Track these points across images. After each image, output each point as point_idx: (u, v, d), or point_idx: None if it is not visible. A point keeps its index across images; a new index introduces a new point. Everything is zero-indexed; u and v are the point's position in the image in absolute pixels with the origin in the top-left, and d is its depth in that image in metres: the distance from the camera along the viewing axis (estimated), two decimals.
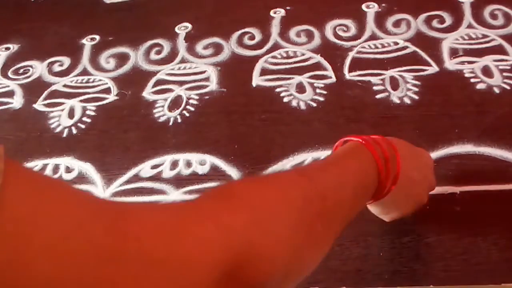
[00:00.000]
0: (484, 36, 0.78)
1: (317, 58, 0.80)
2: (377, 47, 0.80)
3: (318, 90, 0.75)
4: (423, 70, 0.75)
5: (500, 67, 0.73)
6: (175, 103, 0.78)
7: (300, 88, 0.76)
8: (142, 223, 0.28)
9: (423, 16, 0.83)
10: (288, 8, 0.91)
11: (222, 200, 0.33)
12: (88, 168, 0.71)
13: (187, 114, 0.76)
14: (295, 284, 0.36)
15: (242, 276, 0.30)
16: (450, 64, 0.75)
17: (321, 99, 0.74)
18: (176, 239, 0.28)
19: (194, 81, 0.81)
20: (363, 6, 0.87)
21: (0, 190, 0.22)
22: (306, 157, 0.66)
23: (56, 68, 0.89)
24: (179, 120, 0.75)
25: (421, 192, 0.52)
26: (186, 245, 0.28)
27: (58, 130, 0.78)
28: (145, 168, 0.69)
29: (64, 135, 0.77)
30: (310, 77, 0.77)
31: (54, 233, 0.23)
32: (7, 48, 0.95)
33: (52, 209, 0.24)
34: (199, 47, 0.87)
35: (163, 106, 0.78)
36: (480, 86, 0.71)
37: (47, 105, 0.83)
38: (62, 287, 0.23)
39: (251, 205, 0.34)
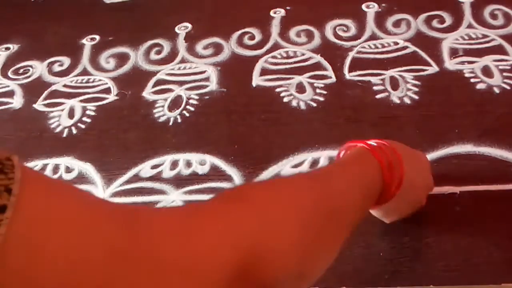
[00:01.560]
0: (484, 36, 0.78)
1: (317, 58, 0.80)
2: (377, 47, 0.80)
3: (318, 90, 0.75)
4: (423, 70, 0.75)
5: (500, 67, 0.73)
6: (175, 103, 0.78)
7: (300, 88, 0.76)
8: (153, 224, 0.28)
9: (423, 16, 0.83)
10: (288, 8, 0.91)
11: (232, 202, 0.34)
12: (88, 168, 0.71)
13: (187, 114, 0.76)
14: (309, 285, 0.36)
15: (254, 276, 0.30)
16: (450, 64, 0.75)
17: (321, 99, 0.74)
18: (187, 240, 0.28)
19: (194, 81, 0.81)
20: (363, 6, 0.87)
21: (18, 198, 0.22)
22: (306, 157, 0.66)
23: (56, 68, 0.89)
24: (179, 120, 0.75)
25: (421, 194, 0.53)
26: (197, 246, 0.28)
27: (58, 130, 0.78)
28: (145, 168, 0.69)
29: (64, 135, 0.77)
30: (310, 77, 0.77)
31: (68, 236, 0.24)
32: (7, 48, 0.95)
33: (66, 212, 0.25)
34: (199, 47, 0.87)
35: (163, 106, 0.78)
36: (480, 86, 0.71)
37: (47, 105, 0.83)
38: (76, 287, 0.24)
39: (261, 207, 0.34)
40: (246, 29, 0.88)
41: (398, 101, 0.71)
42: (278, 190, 0.38)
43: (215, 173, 0.67)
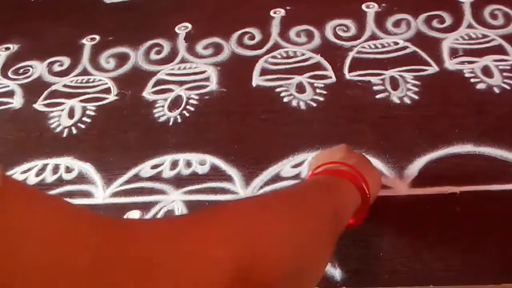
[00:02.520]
0: (484, 36, 0.78)
1: (317, 58, 0.80)
2: (377, 47, 0.80)
3: (318, 90, 0.75)
4: (423, 70, 0.75)
5: (500, 67, 0.73)
6: (175, 103, 0.78)
7: (300, 88, 0.76)
8: (141, 229, 0.28)
9: (423, 16, 0.83)
10: (288, 8, 0.91)
11: (221, 210, 0.35)
12: (88, 168, 0.71)
13: (187, 114, 0.76)
14: (311, 285, 0.37)
15: (252, 277, 0.30)
16: (450, 64, 0.75)
17: (321, 99, 0.74)
18: (176, 242, 0.28)
19: (194, 81, 0.81)
20: (363, 6, 0.87)
21: None
22: (306, 157, 0.66)
23: (56, 68, 0.89)
24: (179, 120, 0.75)
25: (376, 173, 0.56)
26: (186, 247, 0.28)
27: (58, 130, 0.78)
28: (145, 168, 0.69)
29: (64, 135, 0.77)
30: (310, 77, 0.77)
31: (46, 244, 0.23)
32: (7, 48, 0.95)
33: (46, 221, 0.24)
34: (199, 47, 0.87)
35: (163, 106, 0.78)
36: (480, 86, 0.71)
37: (47, 105, 0.83)
38: None
39: (249, 211, 0.35)
40: (246, 29, 0.88)
41: (398, 101, 0.71)
42: (263, 200, 0.40)
43: (215, 173, 0.67)
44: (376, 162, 0.63)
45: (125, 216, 0.64)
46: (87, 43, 0.93)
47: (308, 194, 0.44)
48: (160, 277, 0.26)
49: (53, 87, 0.86)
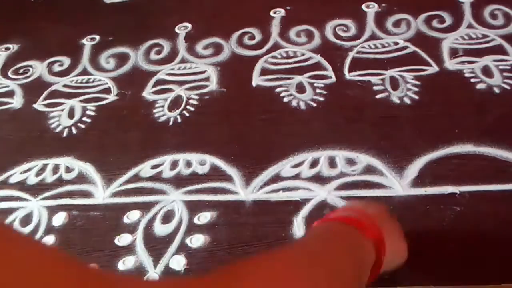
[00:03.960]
0: (484, 36, 0.78)
1: (317, 58, 0.80)
2: (377, 47, 0.80)
3: (318, 90, 0.75)
4: (423, 70, 0.75)
5: (500, 67, 0.73)
6: (175, 103, 0.78)
7: (300, 88, 0.76)
8: None
9: (423, 16, 0.83)
10: (288, 8, 0.91)
11: (227, 277, 0.31)
12: (88, 168, 0.71)
13: (187, 114, 0.76)
14: None
15: None
16: (450, 64, 0.75)
17: (321, 99, 0.74)
18: None
19: (194, 81, 0.81)
20: (363, 6, 0.87)
21: None
22: (306, 157, 0.66)
23: (56, 68, 0.89)
24: (179, 120, 0.75)
25: (404, 249, 0.50)
26: None
27: (58, 130, 0.78)
28: (145, 168, 0.69)
29: (64, 135, 0.77)
30: (310, 77, 0.77)
31: None
32: (7, 48, 0.95)
33: (18, 270, 0.20)
34: (199, 47, 0.87)
35: (163, 106, 0.78)
36: (480, 86, 0.71)
37: (47, 105, 0.83)
38: None
39: (266, 278, 0.32)
40: (246, 29, 0.88)
41: (398, 101, 0.71)
42: (281, 262, 0.36)
43: (215, 173, 0.67)
44: (376, 162, 0.63)
45: (124, 216, 0.64)
46: (87, 43, 0.93)
47: (329, 251, 0.41)
48: None
49: (53, 87, 0.86)
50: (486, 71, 0.72)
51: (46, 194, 0.69)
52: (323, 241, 0.43)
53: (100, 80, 0.85)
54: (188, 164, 0.69)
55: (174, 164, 0.69)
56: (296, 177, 0.64)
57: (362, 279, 0.42)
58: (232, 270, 0.32)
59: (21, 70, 0.90)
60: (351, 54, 0.79)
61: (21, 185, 0.71)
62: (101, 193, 0.67)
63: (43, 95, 0.84)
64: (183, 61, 0.85)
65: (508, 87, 0.70)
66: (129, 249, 0.61)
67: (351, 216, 0.45)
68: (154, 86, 0.82)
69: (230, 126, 0.73)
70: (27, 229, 0.65)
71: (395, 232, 0.50)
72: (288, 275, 0.34)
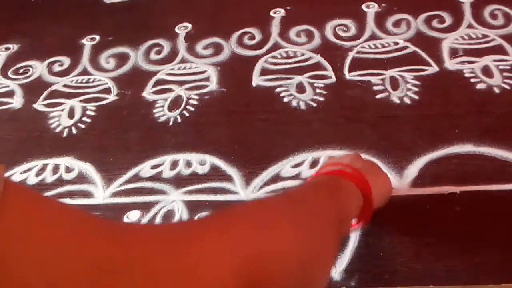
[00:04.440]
0: (484, 36, 0.78)
1: (317, 58, 0.80)
2: (377, 47, 0.80)
3: (318, 90, 0.75)
4: (423, 70, 0.75)
5: (500, 67, 0.73)
6: (175, 103, 0.78)
7: (300, 88, 0.76)
8: (145, 235, 0.28)
9: (423, 16, 0.84)
10: (288, 8, 0.91)
11: (226, 216, 0.34)
12: (88, 168, 0.71)
13: (187, 114, 0.76)
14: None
15: (260, 284, 0.30)
16: (450, 64, 0.75)
17: (321, 99, 0.74)
18: (181, 248, 0.28)
19: (194, 81, 0.81)
20: (363, 6, 0.87)
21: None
22: (306, 157, 0.66)
23: (56, 68, 0.89)
24: (179, 120, 0.75)
25: (384, 179, 0.55)
26: (192, 254, 0.28)
27: (58, 130, 0.78)
28: (145, 168, 0.69)
29: (64, 135, 0.77)
30: (310, 77, 0.77)
31: (47, 250, 0.23)
32: (7, 48, 0.95)
33: (47, 224, 0.24)
34: (199, 47, 0.87)
35: (163, 106, 0.78)
36: (480, 86, 0.71)
37: (47, 105, 0.83)
38: None
39: (254, 216, 0.35)
40: (246, 29, 0.88)
41: (398, 101, 0.71)
42: (266, 203, 0.40)
43: (215, 173, 0.67)
44: (376, 162, 0.63)
45: (125, 216, 0.64)
46: (87, 43, 0.93)
47: (309, 194, 0.44)
48: (169, 284, 0.26)
49: (53, 87, 0.86)
50: (486, 71, 0.72)
51: (46, 194, 0.69)
52: (302, 189, 0.47)
53: (100, 80, 0.85)
54: (188, 164, 0.69)
55: (174, 164, 0.69)
56: (296, 177, 0.64)
57: (347, 218, 0.47)
58: (225, 213, 0.35)
59: (21, 70, 0.90)
60: (351, 54, 0.79)
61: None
62: (101, 193, 0.67)
63: (43, 95, 0.84)
64: (183, 61, 0.85)
65: (508, 87, 0.70)
66: None
67: (329, 170, 0.50)
68: (154, 86, 0.82)
69: (230, 126, 0.73)
70: None
71: (373, 168, 0.54)
72: (269, 213, 0.36)
